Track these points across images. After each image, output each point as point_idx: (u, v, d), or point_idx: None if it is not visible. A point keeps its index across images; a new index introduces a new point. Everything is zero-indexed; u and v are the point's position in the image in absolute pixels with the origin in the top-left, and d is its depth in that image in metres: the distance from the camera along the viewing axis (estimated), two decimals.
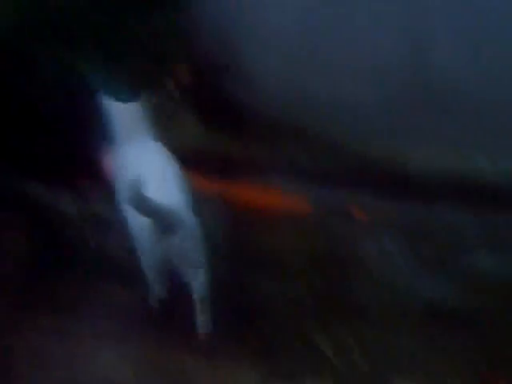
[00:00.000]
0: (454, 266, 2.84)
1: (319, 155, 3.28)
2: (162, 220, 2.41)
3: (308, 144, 3.31)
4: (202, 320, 2.52)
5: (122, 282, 2.71)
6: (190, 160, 3.03)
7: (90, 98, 2.91)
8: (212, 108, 3.39)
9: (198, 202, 2.73)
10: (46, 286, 2.72)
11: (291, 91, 3.34)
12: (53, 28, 3.31)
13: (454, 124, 3.19)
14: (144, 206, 2.35)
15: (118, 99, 2.83)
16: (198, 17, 3.41)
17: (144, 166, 2.66)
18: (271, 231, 2.99)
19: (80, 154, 3.28)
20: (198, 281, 2.51)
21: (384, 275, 2.79)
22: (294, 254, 2.88)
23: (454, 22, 3.10)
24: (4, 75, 3.28)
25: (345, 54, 3.24)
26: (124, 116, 2.82)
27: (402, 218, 3.04)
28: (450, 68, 3.17)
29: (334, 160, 3.25)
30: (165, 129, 2.86)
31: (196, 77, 3.43)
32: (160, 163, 2.76)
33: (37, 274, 2.80)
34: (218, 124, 3.36)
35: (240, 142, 3.32)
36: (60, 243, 2.93)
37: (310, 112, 3.34)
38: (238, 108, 3.34)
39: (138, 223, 2.49)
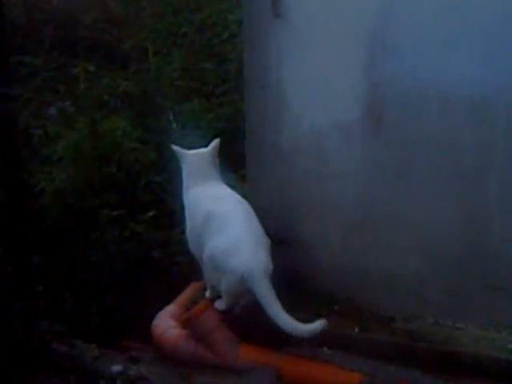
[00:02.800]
0: None
1: (370, 328, 3.23)
2: None
3: (360, 316, 3.29)
4: None
5: None
6: (239, 328, 3.26)
7: None
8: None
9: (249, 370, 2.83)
10: None
11: (347, 264, 3.38)
12: None
13: (508, 302, 3.14)
14: None
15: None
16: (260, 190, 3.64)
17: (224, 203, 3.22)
18: None
19: (131, 316, 3.46)
20: None
21: None
22: None
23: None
24: (67, 235, 3.60)
25: (399, 226, 3.26)
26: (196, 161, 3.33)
27: None
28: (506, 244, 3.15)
29: (384, 333, 3.22)
30: None
31: None
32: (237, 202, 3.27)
33: None
34: None
35: (293, 313, 3.33)
36: None
37: (363, 284, 3.36)
38: (295, 280, 3.40)
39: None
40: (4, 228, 3.14)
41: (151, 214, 3.98)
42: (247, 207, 3.28)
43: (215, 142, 3.40)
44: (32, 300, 3.05)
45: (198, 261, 3.32)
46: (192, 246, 3.34)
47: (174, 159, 3.36)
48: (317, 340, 3.21)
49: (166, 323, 3.26)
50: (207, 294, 3.33)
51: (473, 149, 3.11)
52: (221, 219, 3.17)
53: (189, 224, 3.33)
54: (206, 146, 3.40)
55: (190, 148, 3.41)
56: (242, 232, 3.14)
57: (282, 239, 3.40)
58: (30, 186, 3.86)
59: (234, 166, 3.97)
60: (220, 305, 3.22)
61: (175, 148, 3.38)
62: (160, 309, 3.34)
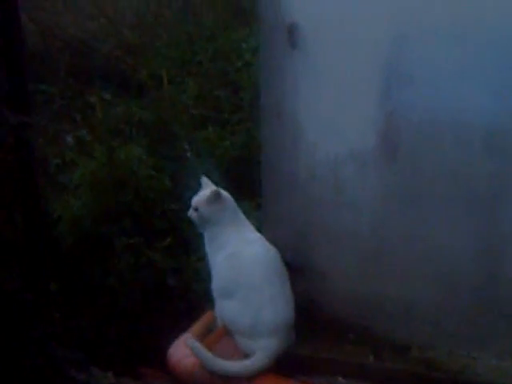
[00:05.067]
0: None
1: (385, 357, 3.23)
2: None
3: (375, 345, 3.29)
4: None
5: None
6: None
7: None
8: None
9: None
10: None
11: (362, 292, 3.37)
12: None
13: None
14: None
15: None
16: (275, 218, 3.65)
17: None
18: None
19: (147, 343, 3.48)
20: None
21: None
22: None
23: None
24: (83, 262, 3.63)
25: (415, 254, 3.25)
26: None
27: None
28: None
29: (399, 362, 3.22)
30: None
31: None
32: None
33: None
34: None
35: (308, 341, 3.35)
36: None
37: (378, 312, 3.35)
38: (309, 308, 3.41)
39: None
40: (22, 255, 3.18)
41: (167, 241, 4.00)
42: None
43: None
44: (49, 327, 3.09)
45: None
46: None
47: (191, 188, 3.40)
48: (331, 369, 3.29)
49: (182, 351, 3.23)
50: (219, 322, 3.36)
51: (487, 177, 3.11)
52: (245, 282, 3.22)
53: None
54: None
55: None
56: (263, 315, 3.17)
57: (296, 267, 3.40)
58: (47, 213, 3.90)
59: (249, 194, 4.02)
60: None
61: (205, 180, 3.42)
62: (176, 336, 3.33)
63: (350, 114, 3.32)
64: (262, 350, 3.15)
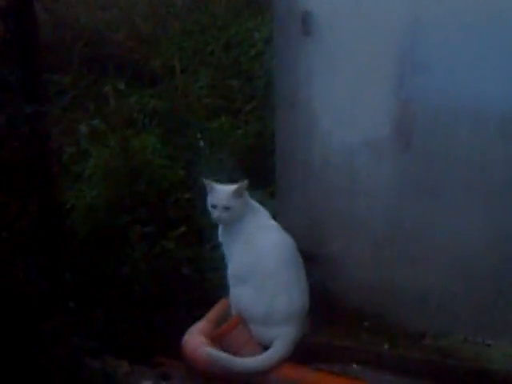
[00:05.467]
0: None
1: (400, 344, 3.24)
2: None
3: (390, 333, 3.29)
4: None
5: None
6: None
7: None
8: None
9: None
10: None
11: (377, 280, 3.38)
12: None
13: None
14: None
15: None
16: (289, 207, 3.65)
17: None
18: None
19: (162, 332, 3.49)
20: None
21: None
22: None
23: None
24: (97, 252, 3.64)
25: (429, 242, 3.25)
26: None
27: None
28: None
29: (414, 350, 3.22)
30: None
31: None
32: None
33: None
34: None
35: (323, 329, 3.37)
36: None
37: (392, 300, 3.36)
38: (324, 296, 3.41)
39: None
40: (37, 245, 3.19)
41: (181, 230, 4.00)
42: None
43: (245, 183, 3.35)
44: (64, 316, 3.10)
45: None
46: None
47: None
48: (346, 356, 3.30)
49: (197, 340, 3.25)
50: (233, 310, 3.37)
51: (503, 165, 3.11)
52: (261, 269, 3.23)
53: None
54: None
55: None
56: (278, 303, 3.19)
57: (311, 255, 3.40)
58: (61, 203, 3.91)
59: (263, 182, 4.02)
60: None
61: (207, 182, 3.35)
62: (190, 325, 3.34)
63: (364, 102, 3.31)
64: (278, 340, 3.16)
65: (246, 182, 3.28)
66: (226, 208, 3.24)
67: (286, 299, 3.18)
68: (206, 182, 3.31)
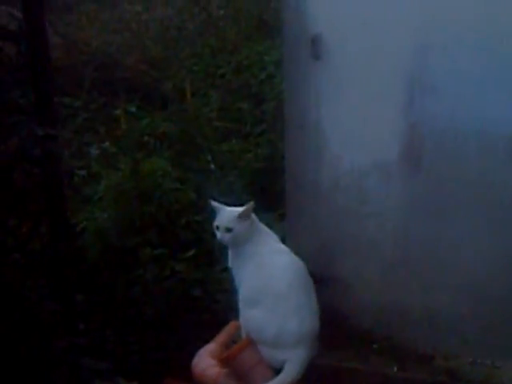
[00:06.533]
0: None
1: (409, 367, 3.24)
2: None
3: (399, 355, 3.30)
4: None
5: None
6: None
7: None
8: None
9: None
10: None
11: (386, 302, 3.40)
12: None
13: None
14: None
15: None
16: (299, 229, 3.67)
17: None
18: None
19: (172, 354, 3.50)
20: None
21: None
22: None
23: None
24: (108, 273, 3.66)
25: (438, 264, 3.28)
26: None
27: None
28: None
29: (423, 372, 3.22)
30: None
31: None
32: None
33: None
34: None
35: (332, 351, 3.38)
36: None
37: (402, 322, 3.36)
38: (333, 318, 3.40)
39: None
40: (49, 266, 3.21)
41: (191, 252, 4.00)
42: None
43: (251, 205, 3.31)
44: (75, 338, 3.11)
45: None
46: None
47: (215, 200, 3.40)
48: (356, 378, 3.29)
49: (206, 362, 3.24)
50: (243, 332, 3.34)
51: None
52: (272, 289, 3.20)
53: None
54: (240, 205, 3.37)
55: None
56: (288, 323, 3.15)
57: (321, 277, 3.40)
58: (72, 225, 3.93)
59: (272, 205, 4.03)
60: None
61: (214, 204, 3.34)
62: (200, 347, 3.33)
63: (373, 125, 3.35)
64: (289, 363, 3.14)
65: (252, 204, 3.26)
66: (229, 229, 3.22)
67: (296, 321, 3.14)
68: (213, 203, 3.33)
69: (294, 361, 3.16)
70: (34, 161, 3.15)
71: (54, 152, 3.15)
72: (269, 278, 3.23)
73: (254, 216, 3.33)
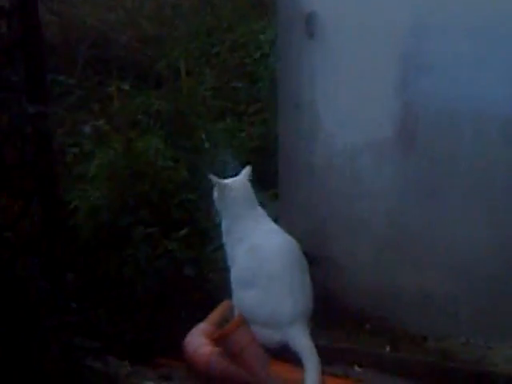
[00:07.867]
0: None
1: (402, 347, 3.24)
2: None
3: (392, 335, 3.31)
4: None
5: None
6: None
7: None
8: None
9: None
10: None
11: (379, 283, 3.41)
12: None
13: None
14: None
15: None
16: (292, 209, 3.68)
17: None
18: None
19: (164, 333, 3.50)
20: None
21: None
22: None
23: None
24: (100, 252, 3.65)
25: (431, 244, 3.29)
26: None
27: None
28: None
29: (416, 352, 3.22)
30: None
31: None
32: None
33: None
34: None
35: (325, 331, 3.37)
36: None
37: (394, 302, 3.37)
38: (326, 298, 3.40)
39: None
40: (40, 245, 3.19)
41: (184, 231, 3.99)
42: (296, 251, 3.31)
43: (248, 169, 3.36)
44: (66, 317, 3.10)
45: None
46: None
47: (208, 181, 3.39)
48: (348, 358, 3.29)
49: (199, 341, 3.25)
50: (236, 312, 3.35)
51: (505, 167, 3.13)
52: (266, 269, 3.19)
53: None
54: (235, 174, 3.37)
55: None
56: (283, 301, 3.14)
57: (313, 257, 3.39)
58: (64, 203, 3.91)
59: (266, 184, 4.02)
60: None
61: (214, 178, 3.29)
62: (192, 326, 3.34)
63: (367, 104, 3.34)
64: (305, 359, 3.03)
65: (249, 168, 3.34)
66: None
67: (290, 301, 3.14)
68: (213, 178, 3.29)
69: (308, 352, 3.06)
70: (25, 138, 3.14)
71: (44, 130, 3.14)
72: (262, 258, 3.22)
73: (250, 192, 3.31)
